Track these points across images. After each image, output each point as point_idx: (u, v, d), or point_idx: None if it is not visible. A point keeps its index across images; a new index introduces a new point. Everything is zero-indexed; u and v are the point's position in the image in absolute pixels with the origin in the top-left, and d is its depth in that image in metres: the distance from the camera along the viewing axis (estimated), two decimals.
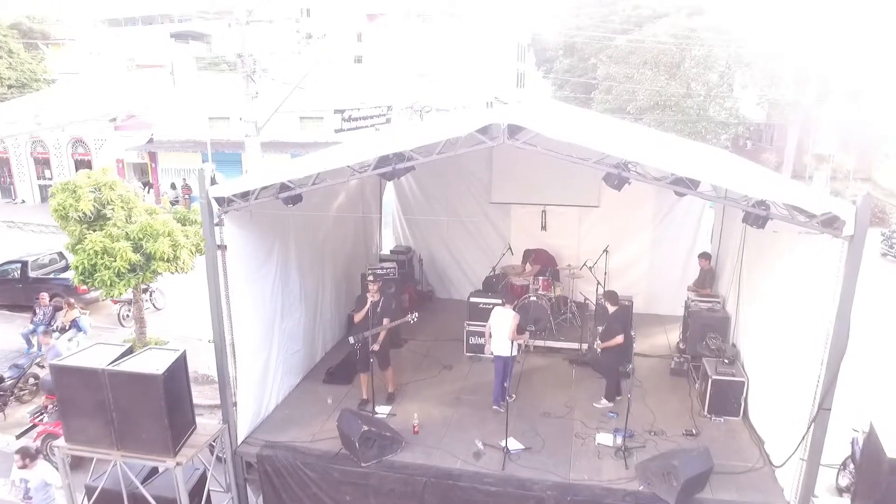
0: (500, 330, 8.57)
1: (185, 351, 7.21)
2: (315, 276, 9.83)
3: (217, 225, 6.90)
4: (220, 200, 6.84)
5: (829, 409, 6.08)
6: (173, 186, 28.52)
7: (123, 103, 28.89)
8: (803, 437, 6.38)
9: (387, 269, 10.79)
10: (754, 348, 8.41)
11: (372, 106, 21.00)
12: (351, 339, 8.70)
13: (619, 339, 8.63)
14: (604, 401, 9.00)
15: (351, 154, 6.32)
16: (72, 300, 14.05)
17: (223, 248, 7.02)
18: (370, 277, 8.71)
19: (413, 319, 8.68)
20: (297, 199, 6.89)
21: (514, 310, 8.72)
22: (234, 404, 7.76)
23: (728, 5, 31.57)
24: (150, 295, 16.53)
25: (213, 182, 6.85)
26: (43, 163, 30.75)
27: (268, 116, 13.06)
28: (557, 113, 7.54)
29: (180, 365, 7.09)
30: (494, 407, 8.68)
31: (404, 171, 6.46)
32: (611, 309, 8.87)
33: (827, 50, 28.63)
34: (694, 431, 8.22)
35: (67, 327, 13.56)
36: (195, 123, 26.82)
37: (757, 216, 5.86)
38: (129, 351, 7.29)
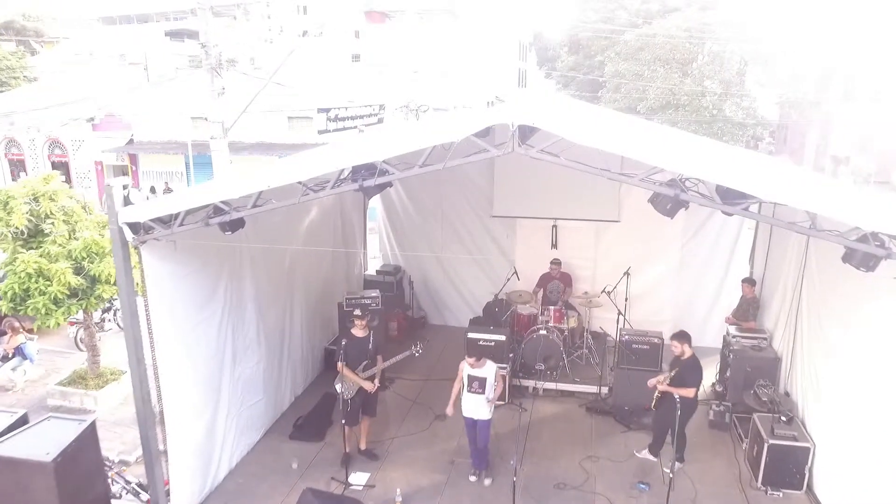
0: None
1: (93, 422, 5.54)
2: (280, 309, 8.13)
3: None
4: (134, 227, 5.15)
5: None
6: (153, 190, 26.82)
7: (102, 102, 27.19)
8: None
9: (369, 297, 9.08)
10: (827, 407, 6.69)
11: (362, 104, 19.27)
12: (338, 387, 7.09)
13: (691, 392, 6.87)
14: (676, 464, 7.10)
15: (304, 167, 4.65)
16: (17, 324, 12.35)
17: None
18: (357, 312, 7.20)
19: (417, 352, 7.26)
20: (237, 225, 5.21)
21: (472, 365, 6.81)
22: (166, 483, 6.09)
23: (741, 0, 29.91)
24: (115, 314, 14.82)
25: (128, 202, 5.16)
26: (18, 165, 29.07)
27: (237, 115, 11.38)
28: (578, 112, 5.83)
29: (86, 442, 5.42)
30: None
31: (377, 188, 4.80)
32: (686, 353, 7.01)
33: (845, 47, 27.02)
34: None
35: (11, 355, 11.92)
36: (177, 123, 25.14)
37: (867, 256, 4.17)
38: (23, 421, 5.66)
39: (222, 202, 4.91)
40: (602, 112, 8.62)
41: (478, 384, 6.71)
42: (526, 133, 4.66)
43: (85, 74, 34.73)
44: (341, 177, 4.71)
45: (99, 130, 27.22)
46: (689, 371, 6.95)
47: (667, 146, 4.47)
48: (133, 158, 27.46)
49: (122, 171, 28.85)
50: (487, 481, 7.11)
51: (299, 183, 4.76)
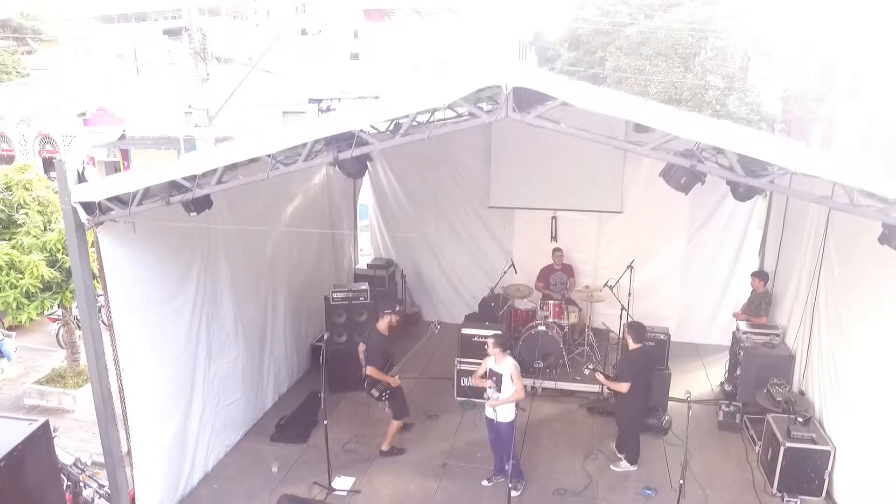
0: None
1: (46, 422, 5.03)
2: (260, 302, 7.63)
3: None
4: (89, 207, 4.65)
5: None
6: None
7: (93, 97, 26.72)
8: None
9: (358, 290, 8.55)
10: (848, 408, 6.20)
11: (356, 96, 18.78)
12: (375, 393, 6.83)
13: (624, 387, 6.51)
14: (623, 463, 6.93)
15: (273, 139, 4.15)
16: None
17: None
18: (388, 311, 6.93)
19: (436, 328, 7.12)
20: (202, 205, 4.71)
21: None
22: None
23: None
24: (99, 310, 14.31)
25: (82, 179, 4.67)
26: (7, 161, 28.55)
27: (223, 102, 10.89)
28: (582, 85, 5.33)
29: (38, 445, 4.90)
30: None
31: (356, 163, 4.30)
32: (631, 346, 6.71)
33: (850, 41, 26.50)
34: None
35: None
36: (170, 118, 24.63)
37: None
38: None
39: (184, 178, 4.42)
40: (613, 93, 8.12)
41: (494, 380, 6.19)
42: (525, 103, 4.18)
43: (80, 71, 34.29)
44: (315, 149, 4.22)
45: (90, 125, 26.75)
46: (623, 363, 6.72)
47: (681, 115, 3.98)
48: (125, 154, 26.96)
49: (115, 166, 28.37)
50: (514, 493, 6.28)
51: (268, 156, 4.27)
